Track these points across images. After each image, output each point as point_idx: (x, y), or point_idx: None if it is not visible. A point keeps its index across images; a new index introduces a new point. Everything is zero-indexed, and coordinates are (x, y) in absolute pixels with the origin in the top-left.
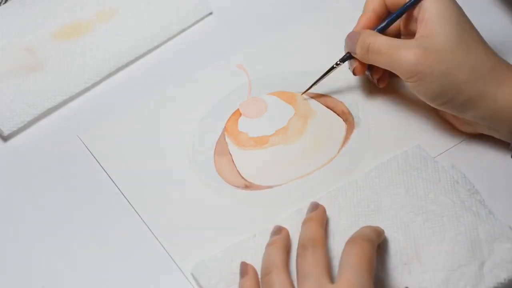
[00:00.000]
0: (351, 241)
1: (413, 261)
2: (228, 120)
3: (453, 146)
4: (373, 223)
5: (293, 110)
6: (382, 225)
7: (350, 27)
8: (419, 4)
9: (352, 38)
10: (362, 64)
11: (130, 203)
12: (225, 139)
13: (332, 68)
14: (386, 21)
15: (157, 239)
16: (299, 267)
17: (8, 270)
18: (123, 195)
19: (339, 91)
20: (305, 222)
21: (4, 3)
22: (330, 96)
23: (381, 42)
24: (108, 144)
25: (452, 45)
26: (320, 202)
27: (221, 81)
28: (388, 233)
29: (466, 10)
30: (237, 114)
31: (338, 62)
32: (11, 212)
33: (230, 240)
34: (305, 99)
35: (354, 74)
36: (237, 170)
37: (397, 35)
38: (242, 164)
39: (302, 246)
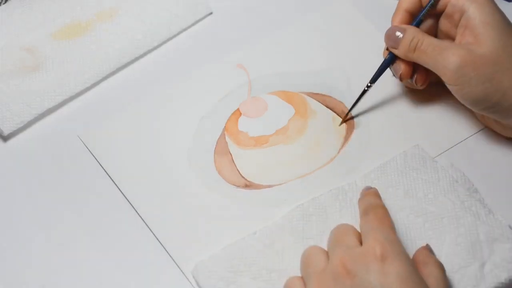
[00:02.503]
0: (363, 213)
1: None
2: (228, 119)
3: (453, 146)
4: None
5: (293, 110)
6: None
7: (350, 27)
8: (461, 11)
9: (392, 34)
10: (408, 67)
11: (130, 203)
12: (225, 138)
13: (385, 66)
14: (419, 17)
15: (157, 239)
16: (363, 228)
17: (8, 269)
18: (123, 195)
19: (339, 91)
20: (362, 197)
21: (4, 3)
22: (330, 96)
23: (429, 41)
24: (108, 144)
25: (498, 50)
26: (321, 201)
27: (221, 80)
28: None
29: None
30: (237, 113)
31: (384, 66)
32: (11, 212)
33: (230, 239)
34: (305, 98)
35: (401, 79)
36: (237, 170)
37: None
38: (242, 163)
39: (364, 212)
